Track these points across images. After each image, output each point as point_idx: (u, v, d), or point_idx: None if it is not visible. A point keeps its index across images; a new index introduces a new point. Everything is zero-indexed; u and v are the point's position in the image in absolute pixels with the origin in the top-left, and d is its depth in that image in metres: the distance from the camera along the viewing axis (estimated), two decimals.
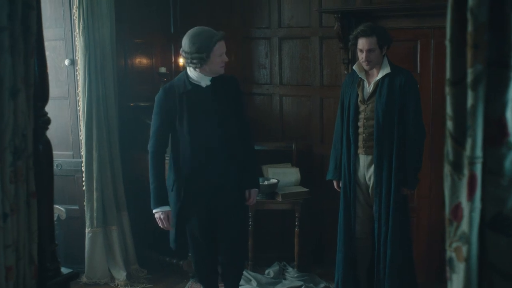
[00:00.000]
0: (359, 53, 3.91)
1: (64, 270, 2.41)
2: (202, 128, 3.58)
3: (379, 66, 3.90)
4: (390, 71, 3.85)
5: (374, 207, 3.99)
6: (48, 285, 2.31)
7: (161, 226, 3.65)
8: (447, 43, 1.26)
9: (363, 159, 4.02)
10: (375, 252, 4.03)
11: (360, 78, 3.98)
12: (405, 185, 3.88)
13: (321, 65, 5.02)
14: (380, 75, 3.89)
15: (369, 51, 3.81)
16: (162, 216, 3.59)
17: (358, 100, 3.98)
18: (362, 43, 3.84)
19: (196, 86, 3.58)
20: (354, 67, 4.02)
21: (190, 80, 3.59)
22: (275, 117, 5.27)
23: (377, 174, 3.92)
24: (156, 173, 3.63)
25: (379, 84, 3.88)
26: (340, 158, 4.13)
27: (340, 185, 4.16)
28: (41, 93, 2.29)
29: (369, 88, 3.96)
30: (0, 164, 2.08)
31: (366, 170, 4.02)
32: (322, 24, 4.96)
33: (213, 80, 3.60)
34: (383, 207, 3.91)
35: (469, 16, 1.18)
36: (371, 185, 4.00)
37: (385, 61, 3.90)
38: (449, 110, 1.27)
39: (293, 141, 5.08)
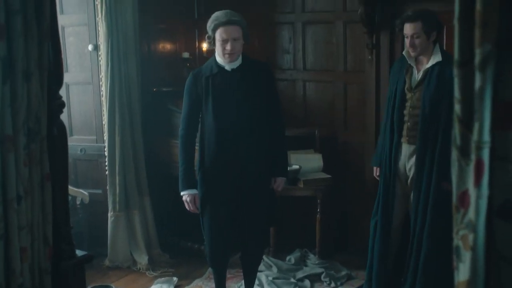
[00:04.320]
0: (405, 39, 3.78)
1: (79, 253, 2.43)
2: (226, 111, 3.58)
3: (430, 54, 3.74)
4: (441, 60, 3.69)
5: (412, 199, 3.85)
6: (63, 266, 2.33)
7: (188, 209, 3.68)
8: (455, 22, 1.21)
9: (406, 149, 3.88)
10: (408, 245, 3.89)
11: (410, 64, 3.84)
12: (446, 179, 3.73)
13: (345, 50, 4.95)
14: (430, 63, 3.73)
15: (413, 36, 3.69)
16: (188, 199, 3.63)
17: (405, 87, 3.85)
18: (406, 28, 3.72)
19: (222, 70, 3.60)
20: (403, 53, 3.89)
21: (218, 63, 3.61)
22: (298, 102, 5.22)
23: (419, 165, 3.76)
24: (185, 156, 3.67)
25: (428, 73, 3.73)
26: None
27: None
28: (56, 77, 2.30)
29: (417, 75, 3.81)
30: (14, 147, 2.10)
31: (407, 160, 3.88)
32: (346, 9, 4.87)
33: (242, 64, 3.61)
34: (421, 200, 3.75)
35: None
36: (410, 176, 3.87)
37: (437, 48, 3.74)
38: (456, 93, 1.23)
39: (316, 127, 5.03)
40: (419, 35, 3.69)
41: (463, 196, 1.23)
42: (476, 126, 1.17)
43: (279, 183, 3.79)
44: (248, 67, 3.64)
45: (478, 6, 1.14)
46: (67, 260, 2.37)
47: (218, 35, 3.51)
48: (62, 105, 2.32)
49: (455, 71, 1.24)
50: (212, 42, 3.59)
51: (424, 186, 3.75)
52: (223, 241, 3.76)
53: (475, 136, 1.18)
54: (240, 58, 3.63)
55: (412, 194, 3.86)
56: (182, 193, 3.65)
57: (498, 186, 1.19)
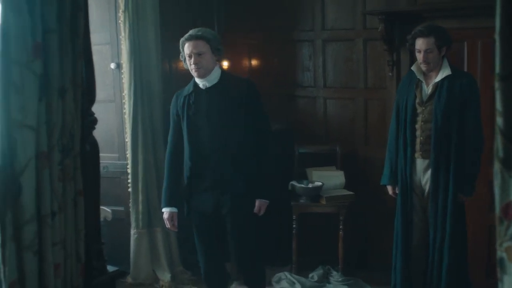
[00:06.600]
0: (417, 54, 3.80)
1: (110, 269, 2.44)
2: (200, 130, 3.55)
3: (439, 68, 3.78)
4: (450, 73, 3.73)
5: (430, 212, 3.85)
6: (94, 283, 2.35)
7: (167, 227, 3.74)
8: (496, 37, 1.22)
9: (420, 163, 3.89)
10: (428, 259, 3.90)
11: (418, 79, 3.87)
12: (461, 192, 3.74)
13: (365, 67, 4.97)
14: (439, 77, 3.76)
15: (426, 51, 3.72)
16: (166, 217, 3.68)
17: (416, 102, 3.86)
18: (419, 43, 3.75)
19: (197, 88, 3.59)
20: (412, 68, 3.91)
21: (195, 82, 3.62)
22: (319, 119, 5.24)
23: (434, 179, 3.78)
24: (168, 174, 3.73)
25: (438, 86, 3.76)
26: (396, 162, 3.99)
27: (397, 190, 4.04)
28: (88, 94, 2.34)
29: (427, 89, 3.83)
30: (49, 163, 2.13)
31: (422, 175, 3.90)
32: (366, 26, 4.91)
33: (218, 82, 3.56)
34: (439, 213, 3.77)
35: None
36: (427, 190, 3.88)
37: (445, 62, 3.78)
38: (498, 105, 1.23)
39: (337, 144, 5.04)
40: (432, 50, 3.73)
41: (507, 208, 1.23)
42: None
43: (258, 206, 3.64)
44: (226, 85, 3.56)
45: None
46: (99, 276, 2.38)
47: (184, 51, 3.54)
48: (95, 121, 2.35)
49: (496, 85, 1.25)
50: (184, 60, 3.60)
51: (441, 199, 3.78)
52: (211, 259, 3.74)
53: None
54: (218, 75, 3.57)
55: (429, 207, 3.87)
56: (162, 210, 3.72)
57: None
